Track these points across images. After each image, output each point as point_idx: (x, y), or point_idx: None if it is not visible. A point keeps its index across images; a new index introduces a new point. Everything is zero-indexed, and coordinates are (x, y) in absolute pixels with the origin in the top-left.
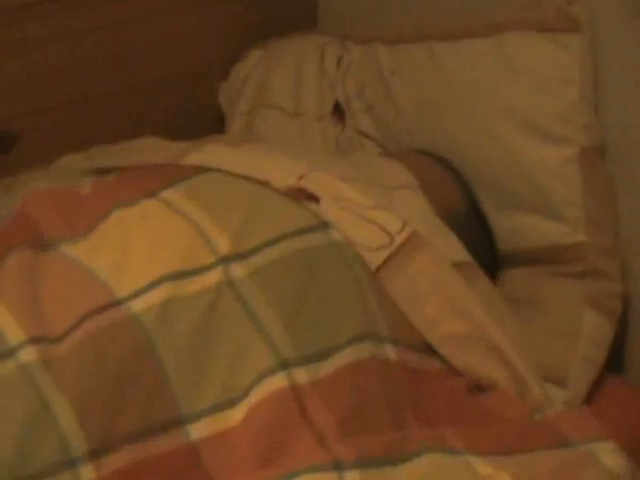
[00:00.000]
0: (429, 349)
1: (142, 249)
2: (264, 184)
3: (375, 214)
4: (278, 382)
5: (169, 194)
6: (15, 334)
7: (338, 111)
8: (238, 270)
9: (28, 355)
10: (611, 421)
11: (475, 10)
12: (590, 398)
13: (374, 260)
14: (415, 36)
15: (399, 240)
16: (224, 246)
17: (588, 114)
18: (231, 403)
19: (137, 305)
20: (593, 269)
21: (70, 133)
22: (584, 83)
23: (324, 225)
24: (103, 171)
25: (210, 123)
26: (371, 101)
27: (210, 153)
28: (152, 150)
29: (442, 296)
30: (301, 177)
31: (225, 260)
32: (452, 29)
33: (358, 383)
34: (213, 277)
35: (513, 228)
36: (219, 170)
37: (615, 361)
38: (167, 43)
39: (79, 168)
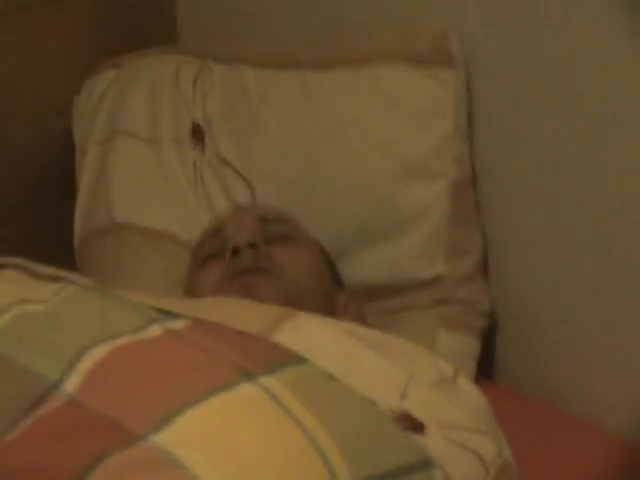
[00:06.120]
0: None
1: (253, 454)
2: (371, 403)
3: (476, 440)
4: None
5: (271, 383)
6: None
7: (197, 132)
8: None
9: None
10: None
11: (346, 36)
12: None
13: None
14: (285, 62)
15: (493, 472)
16: (342, 472)
17: (460, 147)
18: None
19: None
20: (451, 297)
21: None
22: (458, 117)
23: (427, 464)
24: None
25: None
26: (235, 124)
27: (306, 335)
28: (233, 311)
29: None
30: (403, 396)
31: None
32: (324, 56)
33: None
34: None
35: (374, 261)
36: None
37: (486, 368)
38: (17, 75)
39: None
